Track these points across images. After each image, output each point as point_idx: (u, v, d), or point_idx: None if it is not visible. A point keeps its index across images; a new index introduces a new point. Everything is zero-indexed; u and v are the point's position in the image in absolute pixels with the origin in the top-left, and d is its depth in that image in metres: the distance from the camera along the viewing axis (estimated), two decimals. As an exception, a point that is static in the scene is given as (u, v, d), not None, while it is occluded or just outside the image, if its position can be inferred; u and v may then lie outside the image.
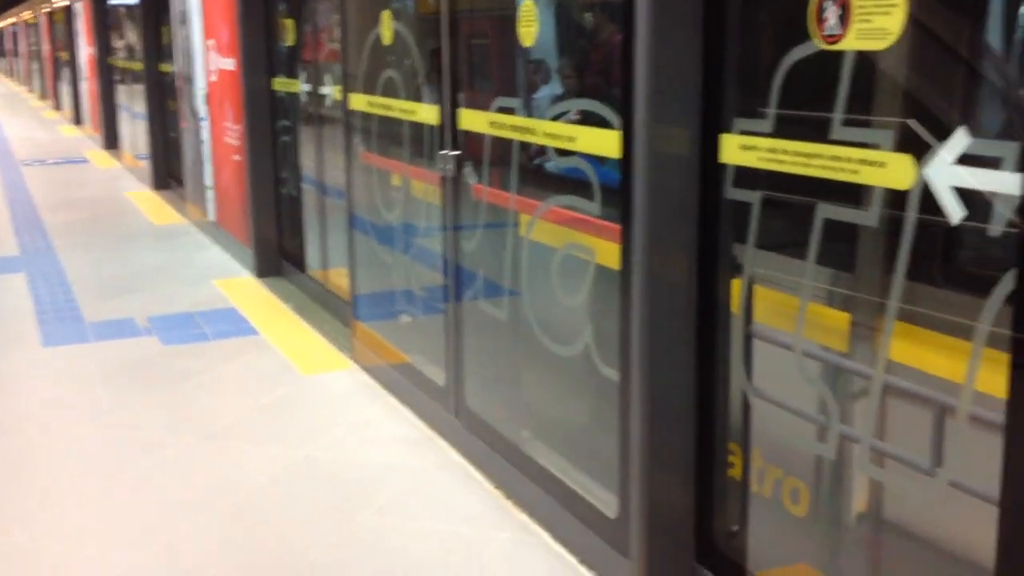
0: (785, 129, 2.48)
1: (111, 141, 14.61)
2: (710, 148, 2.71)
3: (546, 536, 3.41)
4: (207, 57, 7.97)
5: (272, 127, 7.06)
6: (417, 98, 4.35)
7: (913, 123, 2.15)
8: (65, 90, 20.82)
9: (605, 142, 2.99)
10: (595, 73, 3.41)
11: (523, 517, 3.54)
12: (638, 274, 2.79)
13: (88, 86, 16.59)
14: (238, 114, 7.19)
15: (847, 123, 2.29)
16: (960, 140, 2.04)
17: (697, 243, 2.80)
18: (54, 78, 23.60)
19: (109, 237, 8.73)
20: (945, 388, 2.18)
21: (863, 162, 2.24)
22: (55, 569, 3.32)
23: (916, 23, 2.13)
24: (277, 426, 4.42)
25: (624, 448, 2.96)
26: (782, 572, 2.80)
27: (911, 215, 2.15)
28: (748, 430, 2.82)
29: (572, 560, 3.26)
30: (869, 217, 2.28)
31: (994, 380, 2.00)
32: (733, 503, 2.90)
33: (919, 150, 2.11)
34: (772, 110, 2.51)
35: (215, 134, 8.02)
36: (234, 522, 3.58)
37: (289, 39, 6.64)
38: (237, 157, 7.38)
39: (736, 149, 2.63)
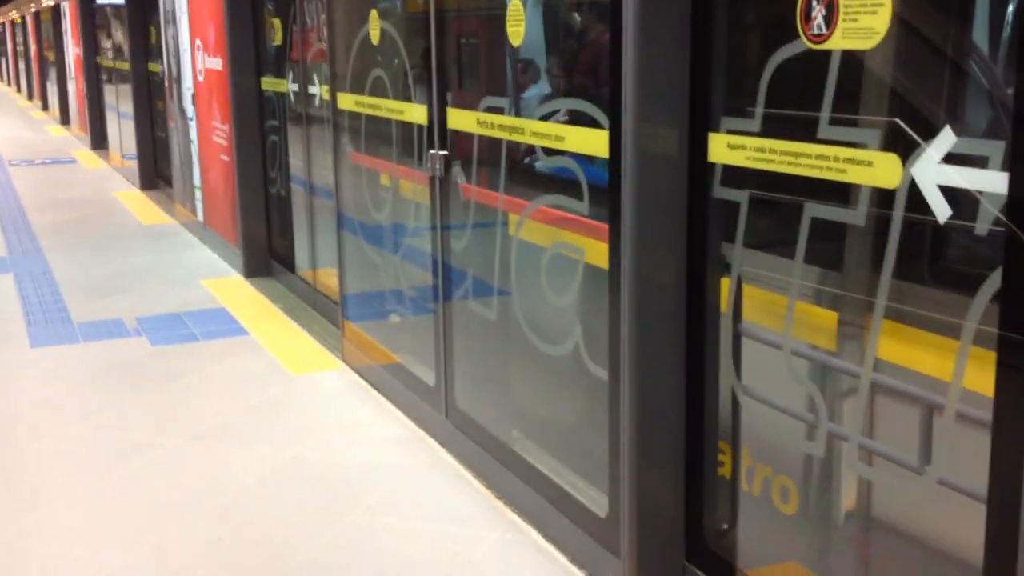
0: (773, 128, 2.48)
1: (99, 141, 14.57)
2: (698, 147, 2.71)
3: (536, 535, 3.41)
4: (195, 57, 7.95)
5: (260, 127, 7.04)
6: (405, 98, 4.35)
7: (900, 122, 2.15)
8: (52, 90, 20.75)
9: (593, 141, 2.99)
10: (583, 73, 3.41)
11: (513, 516, 3.54)
12: (627, 273, 2.80)
13: (76, 86, 16.53)
14: (226, 114, 7.17)
15: (834, 122, 2.30)
16: (947, 139, 2.04)
17: (686, 242, 2.80)
18: (41, 78, 23.52)
19: (97, 237, 8.71)
20: (933, 386, 2.19)
21: (850, 161, 2.24)
22: (44, 569, 3.31)
23: (902, 22, 2.13)
24: (266, 426, 4.41)
25: (614, 447, 2.97)
26: (772, 570, 2.81)
27: (898, 214, 2.16)
28: (737, 429, 2.82)
29: (563, 559, 3.26)
30: (856, 216, 2.29)
31: (981, 378, 2.01)
32: (723, 502, 2.91)
33: (906, 149, 2.12)
34: (760, 109, 2.51)
35: (203, 134, 8.00)
36: (223, 522, 3.57)
37: (277, 38, 6.63)
38: (225, 157, 7.37)
39: (724, 148, 2.63)
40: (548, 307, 3.50)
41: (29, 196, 11.01)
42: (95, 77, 14.39)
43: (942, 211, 2.06)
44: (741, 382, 2.77)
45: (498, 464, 3.70)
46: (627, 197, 2.76)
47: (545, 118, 3.34)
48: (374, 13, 4.54)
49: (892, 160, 2.15)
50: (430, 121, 4.04)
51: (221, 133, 7.41)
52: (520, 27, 3.40)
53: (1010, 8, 2.05)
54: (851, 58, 2.25)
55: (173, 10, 8.54)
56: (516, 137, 3.49)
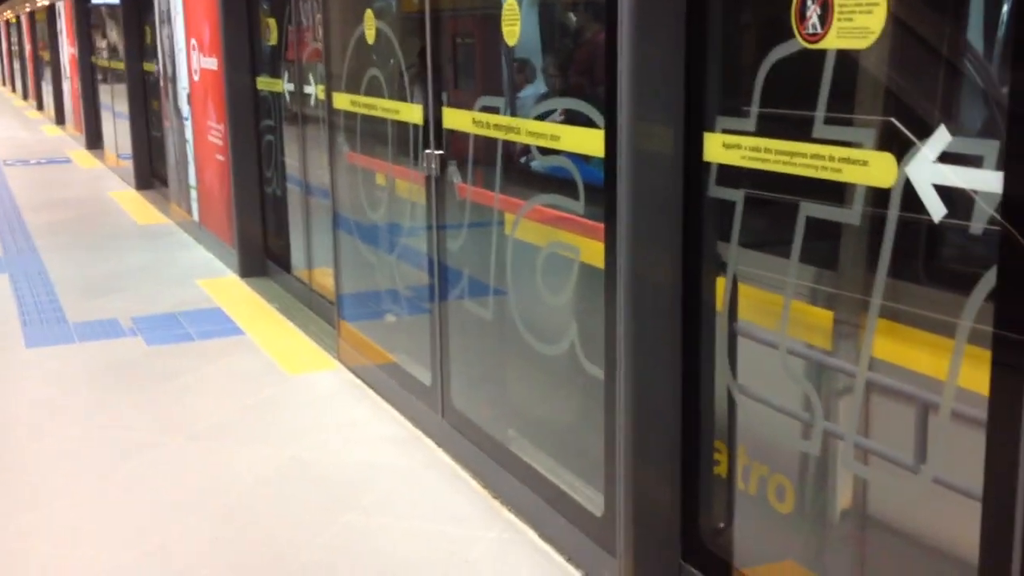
0: (768, 127, 2.49)
1: (94, 141, 14.55)
2: (694, 147, 2.72)
3: (533, 535, 3.41)
4: (190, 56, 7.94)
5: (256, 126, 7.04)
6: (401, 97, 4.35)
7: (895, 121, 2.15)
8: (48, 90, 20.71)
9: (589, 141, 2.99)
10: (579, 72, 3.41)
11: (510, 516, 3.54)
12: (623, 272, 2.80)
13: (71, 86, 16.51)
14: (221, 113, 7.17)
15: (829, 121, 2.30)
16: (941, 138, 2.04)
17: (681, 241, 2.81)
18: (36, 78, 23.48)
19: (92, 237, 8.70)
20: (928, 385, 2.19)
21: (846, 160, 2.25)
22: (45, 570, 3.31)
23: (897, 21, 2.14)
24: (263, 426, 4.41)
25: (610, 446, 2.97)
26: (768, 569, 2.81)
27: (893, 213, 2.16)
28: (733, 427, 2.83)
29: (559, 559, 3.26)
30: (852, 215, 2.29)
31: (976, 377, 2.01)
32: (719, 500, 2.91)
33: (901, 148, 2.12)
34: (755, 108, 2.51)
35: (198, 134, 8.00)
36: (223, 522, 3.57)
37: (272, 38, 6.62)
38: (221, 157, 7.36)
39: (719, 148, 2.63)
40: (544, 306, 3.50)
41: (24, 196, 11.00)
42: (90, 77, 14.37)
43: (937, 210, 2.06)
44: (737, 381, 2.77)
45: (494, 463, 3.70)
46: (623, 196, 2.76)
47: (541, 118, 3.34)
48: (369, 12, 4.54)
49: (887, 159, 2.15)
50: (426, 120, 4.04)
51: (216, 133, 7.40)
52: (516, 26, 3.41)
53: (1005, 7, 2.05)
54: (846, 57, 2.25)
55: (168, 10, 8.53)
56: (512, 137, 3.49)
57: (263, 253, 7.16)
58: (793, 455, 2.64)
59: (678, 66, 2.71)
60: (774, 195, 2.51)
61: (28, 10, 22.78)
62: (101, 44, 13.22)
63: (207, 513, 3.64)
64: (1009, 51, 1.94)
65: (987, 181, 1.94)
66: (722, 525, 2.92)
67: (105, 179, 12.24)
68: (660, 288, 2.83)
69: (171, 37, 8.56)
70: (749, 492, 2.78)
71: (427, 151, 4.00)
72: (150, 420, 4.51)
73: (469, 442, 3.88)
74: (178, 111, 8.66)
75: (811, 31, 2.29)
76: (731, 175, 2.64)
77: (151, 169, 10.82)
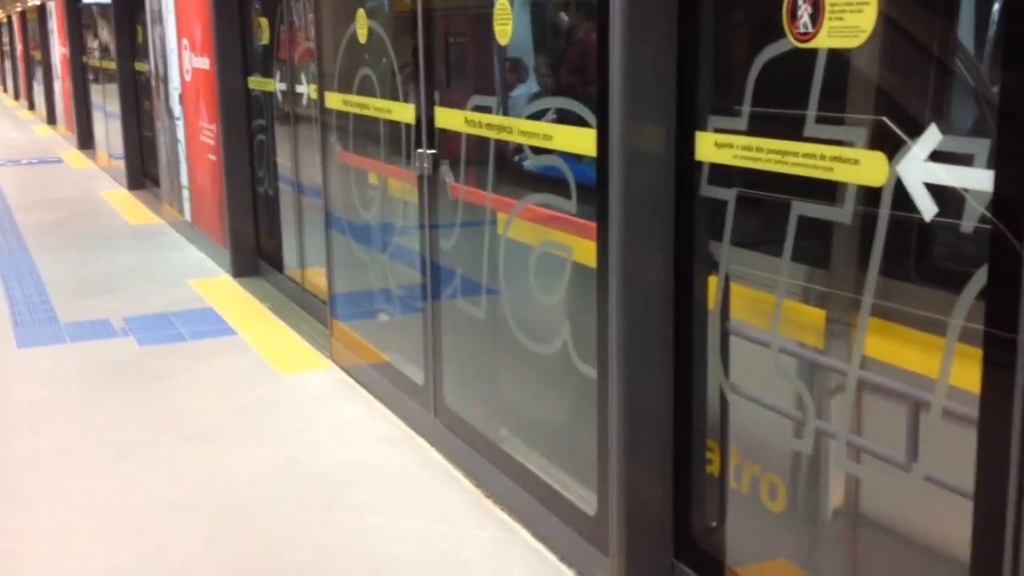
0: (760, 127, 2.49)
1: (86, 141, 14.52)
2: (685, 146, 2.72)
3: (526, 534, 3.41)
4: (181, 56, 7.92)
5: (248, 126, 7.03)
6: (393, 96, 4.35)
7: (886, 120, 2.16)
8: (39, 90, 20.67)
9: (581, 140, 2.99)
10: (571, 71, 3.42)
11: (503, 515, 3.54)
12: (615, 272, 2.80)
13: (62, 86, 16.47)
14: (213, 113, 7.16)
15: (821, 120, 2.30)
16: (932, 137, 2.05)
17: (673, 240, 2.81)
18: (28, 78, 23.42)
19: (84, 237, 8.68)
20: (920, 383, 2.20)
21: (837, 159, 2.25)
22: (41, 570, 3.30)
23: (888, 20, 2.14)
24: (256, 426, 4.41)
25: (603, 445, 2.97)
26: (760, 567, 2.82)
27: (885, 212, 2.17)
28: (726, 427, 2.83)
29: (552, 558, 3.26)
30: (843, 214, 2.30)
31: (968, 375, 2.02)
32: (711, 499, 2.92)
33: (892, 147, 2.13)
34: (747, 108, 2.52)
35: (190, 133, 7.98)
36: (217, 522, 3.56)
37: (264, 37, 6.62)
38: (213, 156, 7.35)
39: (711, 147, 2.64)
40: (536, 306, 3.50)
41: (15, 196, 10.97)
42: (81, 77, 14.35)
43: (928, 209, 2.06)
44: (729, 380, 2.77)
45: (487, 463, 3.70)
46: (615, 196, 2.76)
47: (534, 117, 3.34)
48: (361, 12, 4.53)
49: (878, 158, 2.15)
50: (418, 120, 4.04)
51: (208, 132, 7.39)
52: (507, 26, 3.41)
53: (995, 6, 2.05)
54: (837, 56, 2.26)
55: (160, 9, 8.52)
56: (504, 136, 3.49)
57: (255, 253, 7.15)
58: (785, 454, 2.64)
59: (670, 65, 2.71)
60: (766, 194, 2.52)
61: (19, 10, 22.73)
62: (92, 44, 13.19)
63: (201, 513, 3.63)
64: (1000, 50, 1.94)
65: (978, 180, 1.95)
66: (715, 524, 2.92)
67: (97, 179, 12.21)
68: (652, 287, 2.83)
69: (163, 37, 8.55)
70: (741, 491, 2.79)
71: (419, 150, 4.00)
72: (143, 420, 4.50)
73: (462, 441, 3.88)
74: (170, 111, 8.64)
75: (802, 30, 2.29)
76: (723, 174, 2.64)
77: (143, 169, 10.80)
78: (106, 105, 12.28)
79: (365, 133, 4.75)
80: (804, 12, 2.28)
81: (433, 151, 3.94)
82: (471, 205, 3.84)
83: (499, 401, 3.88)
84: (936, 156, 2.04)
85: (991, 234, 1.90)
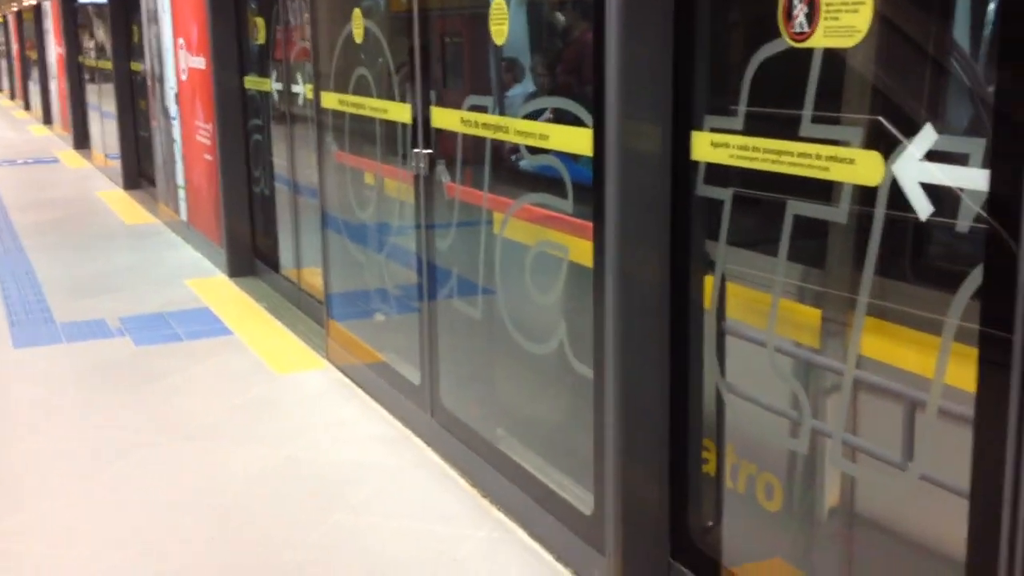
0: (756, 126, 2.49)
1: (82, 141, 14.50)
2: (681, 145, 2.72)
3: (522, 534, 3.41)
4: (177, 56, 7.92)
5: (244, 126, 7.02)
6: (389, 96, 4.34)
7: (882, 120, 2.16)
8: (35, 90, 20.64)
9: (577, 140, 2.99)
10: (567, 71, 3.42)
11: (499, 515, 3.54)
12: (611, 271, 2.80)
13: (58, 85, 16.45)
14: (209, 113, 7.15)
15: (817, 120, 2.31)
16: (928, 137, 2.05)
17: (669, 240, 2.81)
18: (24, 78, 23.39)
19: (80, 237, 8.67)
20: (915, 383, 2.20)
21: (833, 159, 2.25)
22: (39, 570, 3.30)
23: (883, 20, 2.14)
24: (253, 426, 4.40)
25: (599, 445, 2.97)
26: (757, 567, 2.82)
27: (880, 211, 2.17)
28: (722, 426, 2.83)
29: (548, 557, 3.26)
30: (839, 214, 2.30)
31: (963, 374, 2.02)
32: (708, 499, 2.92)
33: (888, 147, 2.13)
34: (743, 107, 2.52)
35: (186, 133, 7.98)
36: (215, 522, 3.56)
37: (260, 37, 6.61)
38: (209, 156, 7.34)
39: (707, 146, 2.64)
40: (533, 305, 3.50)
41: (11, 196, 10.95)
42: (77, 76, 14.33)
43: (924, 208, 2.07)
44: (725, 379, 2.77)
45: (483, 462, 3.70)
46: (611, 195, 2.76)
47: (530, 117, 3.34)
48: (357, 12, 4.53)
49: (874, 158, 2.16)
50: (414, 120, 4.04)
51: (204, 132, 7.39)
52: (504, 26, 3.41)
53: (991, 6, 2.06)
54: (833, 56, 2.26)
55: (156, 9, 8.51)
56: (500, 136, 3.49)
57: (251, 253, 7.14)
58: (781, 453, 2.65)
59: (666, 65, 2.71)
60: (762, 194, 2.52)
61: (15, 9, 22.69)
62: (88, 44, 13.18)
63: (198, 512, 3.63)
64: (995, 50, 1.95)
65: (973, 179, 1.95)
66: (711, 523, 2.92)
67: (93, 179, 12.20)
68: (648, 287, 2.83)
69: (159, 36, 8.54)
70: (738, 490, 2.79)
71: (416, 150, 4.00)
72: (139, 420, 4.49)
73: (458, 441, 3.88)
74: (166, 111, 8.63)
75: (798, 30, 2.30)
76: (719, 174, 2.64)
77: (139, 169, 10.79)
78: (102, 105, 12.27)
79: (361, 133, 4.75)
80: (800, 12, 2.28)
81: (429, 151, 3.94)
82: (467, 205, 3.84)
83: (495, 401, 3.88)
84: (932, 155, 2.05)
85: (986, 233, 1.91)
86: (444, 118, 3.85)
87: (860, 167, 2.19)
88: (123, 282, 7.01)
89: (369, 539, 3.41)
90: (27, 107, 22.97)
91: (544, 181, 3.31)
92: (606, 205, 2.78)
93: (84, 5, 13.14)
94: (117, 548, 3.41)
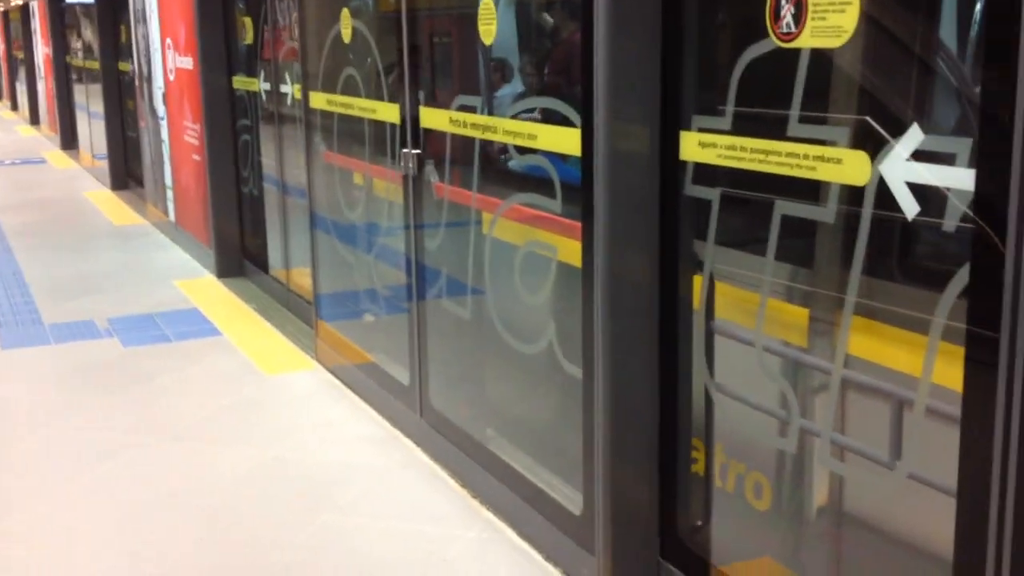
0: (743, 126, 2.50)
1: (69, 141, 14.45)
2: (670, 145, 2.72)
3: (512, 534, 3.41)
4: (165, 55, 7.90)
5: (232, 126, 7.01)
6: (378, 96, 4.34)
7: (869, 120, 2.17)
8: (22, 90, 20.56)
9: (566, 140, 2.99)
10: (556, 71, 3.42)
11: (489, 515, 3.54)
12: (600, 271, 2.80)
13: (45, 86, 16.40)
14: (197, 113, 7.14)
15: (804, 120, 2.31)
16: (914, 136, 2.06)
17: (658, 240, 2.81)
18: (10, 78, 23.30)
19: (68, 238, 8.64)
20: (903, 382, 2.21)
21: (820, 159, 2.26)
22: (26, 571, 3.29)
23: (870, 20, 2.15)
24: (242, 427, 4.40)
25: (588, 445, 2.97)
26: (746, 566, 2.82)
27: (867, 211, 2.18)
28: (711, 426, 2.84)
29: (538, 557, 3.27)
30: (826, 213, 2.31)
31: (950, 373, 2.03)
32: (697, 498, 2.92)
33: (875, 146, 2.14)
34: (730, 107, 2.52)
35: (174, 133, 7.96)
36: (203, 523, 3.55)
37: (248, 37, 6.60)
38: (197, 156, 7.32)
39: (695, 146, 2.64)
40: (522, 306, 3.50)
41: (-2, 197, 10.93)
42: (65, 77, 14.28)
43: (910, 208, 2.07)
44: (714, 379, 2.78)
45: (473, 463, 3.70)
46: (599, 195, 2.76)
47: (518, 117, 3.34)
48: (346, 12, 4.53)
49: (861, 157, 2.16)
50: (403, 120, 4.03)
51: (192, 132, 7.37)
52: (492, 26, 3.40)
53: (977, 7, 2.06)
54: (820, 56, 2.26)
55: (143, 9, 8.49)
56: (489, 136, 3.49)
57: (240, 253, 7.13)
58: (770, 452, 2.65)
59: (654, 65, 2.72)
60: (750, 193, 2.52)
61: (2, 9, 22.60)
62: (76, 44, 13.13)
63: (187, 513, 3.62)
64: (982, 50, 1.95)
65: (960, 179, 1.96)
66: (700, 523, 2.93)
67: (80, 179, 12.16)
68: (637, 287, 2.83)
69: (146, 36, 8.52)
70: (727, 490, 2.79)
71: (404, 150, 4.00)
72: (127, 421, 4.48)
73: (447, 441, 3.88)
74: (154, 111, 8.61)
75: (785, 30, 2.30)
76: (707, 174, 2.65)
77: (127, 169, 10.76)
78: (90, 105, 12.23)
79: (350, 133, 4.75)
80: (787, 12, 2.29)
81: (418, 151, 3.94)
82: (456, 205, 3.84)
83: (485, 401, 3.88)
84: (918, 155, 2.05)
85: (973, 233, 1.91)
86: (433, 118, 3.85)
87: (847, 167, 2.20)
88: (111, 283, 6.99)
89: (357, 540, 3.41)
90: (14, 107, 22.88)
91: (533, 181, 3.31)
92: (595, 205, 2.78)
93: (72, 5, 13.09)
94: (104, 549, 3.40)
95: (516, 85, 3.57)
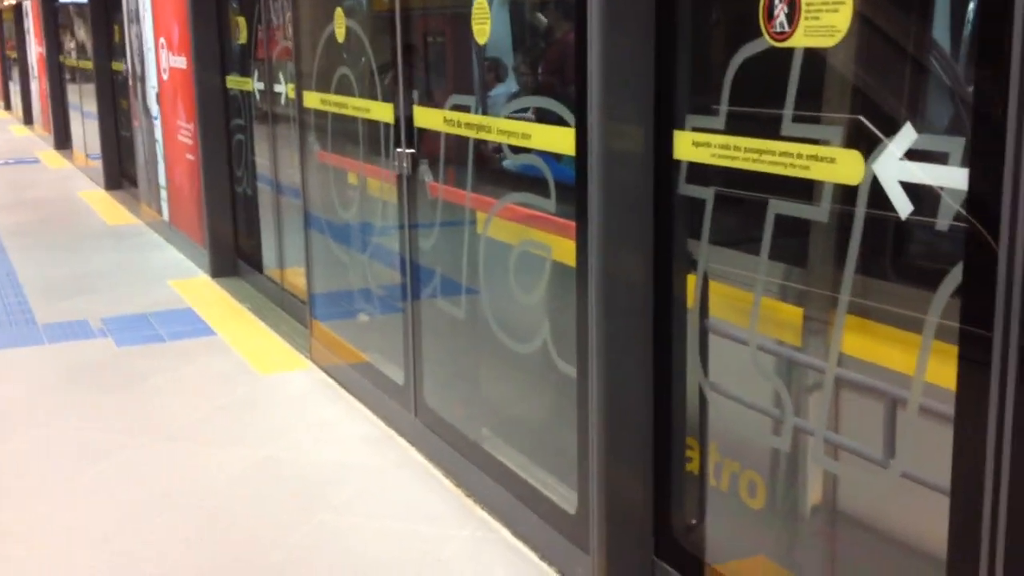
0: (737, 125, 2.50)
1: (63, 141, 14.43)
2: (664, 145, 2.73)
3: (506, 533, 3.41)
4: (159, 55, 7.89)
5: (226, 125, 7.00)
6: (372, 96, 4.34)
7: (862, 119, 2.17)
8: (15, 90, 20.53)
9: (560, 139, 2.99)
10: (550, 71, 3.42)
11: (483, 514, 3.54)
12: (594, 270, 2.80)
13: (39, 85, 16.36)
14: (191, 113, 7.13)
15: (797, 119, 2.31)
16: (908, 136, 2.06)
17: (652, 239, 2.81)
18: (4, 77, 23.26)
19: (62, 238, 8.62)
20: (896, 380, 2.21)
21: (813, 158, 2.26)
22: (21, 571, 3.28)
23: (863, 20, 2.15)
24: (236, 427, 4.39)
25: (583, 444, 2.97)
26: (740, 564, 2.83)
27: (861, 210, 2.18)
28: (705, 425, 2.84)
29: (532, 556, 3.27)
30: (820, 212, 2.31)
31: (943, 372, 2.03)
32: (691, 497, 2.93)
33: (868, 146, 2.14)
34: (724, 107, 2.53)
35: (168, 133, 7.95)
36: (193, 524, 3.55)
37: (242, 37, 6.59)
38: (191, 156, 7.32)
39: (689, 146, 2.64)
40: (516, 305, 3.50)
41: (-8, 197, 10.90)
42: (58, 76, 14.25)
43: (904, 207, 2.08)
44: (708, 378, 2.78)
45: (468, 462, 3.70)
46: (594, 195, 2.76)
47: (513, 116, 3.34)
48: (339, 11, 4.52)
49: (854, 157, 2.17)
50: (397, 119, 4.03)
51: (186, 132, 7.36)
52: (486, 25, 3.40)
53: (970, 6, 2.07)
54: (814, 56, 2.27)
55: (137, 8, 8.47)
56: (483, 135, 3.49)
57: (234, 253, 7.12)
58: (764, 451, 2.66)
59: (648, 64, 2.72)
60: (744, 193, 2.52)
61: (-5, 9, 22.52)
62: (69, 43, 13.11)
63: (181, 513, 3.62)
64: (974, 49, 1.96)
65: (953, 178, 1.96)
66: (694, 521, 2.93)
67: (74, 179, 12.14)
68: (631, 286, 2.83)
69: (140, 36, 8.50)
70: (721, 488, 2.80)
71: (398, 149, 3.99)
72: (121, 421, 4.47)
73: (442, 441, 3.88)
74: (147, 110, 8.59)
75: (779, 30, 2.30)
76: (701, 173, 2.65)
77: (120, 169, 10.74)
78: (83, 105, 12.20)
79: (344, 132, 4.74)
80: (780, 11, 2.29)
81: (412, 150, 3.94)
82: (450, 204, 3.84)
83: (479, 400, 3.88)
84: (912, 154, 2.06)
85: (966, 232, 1.92)
86: (427, 117, 3.85)
87: (841, 166, 2.20)
88: (105, 283, 6.98)
89: (352, 539, 3.41)
90: (8, 107, 22.85)
91: (527, 180, 3.31)
92: (589, 204, 2.78)
93: (65, 5, 13.07)
94: (98, 549, 3.39)
95: (510, 84, 3.57)
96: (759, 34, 2.36)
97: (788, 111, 2.32)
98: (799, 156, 2.29)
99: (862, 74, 2.23)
